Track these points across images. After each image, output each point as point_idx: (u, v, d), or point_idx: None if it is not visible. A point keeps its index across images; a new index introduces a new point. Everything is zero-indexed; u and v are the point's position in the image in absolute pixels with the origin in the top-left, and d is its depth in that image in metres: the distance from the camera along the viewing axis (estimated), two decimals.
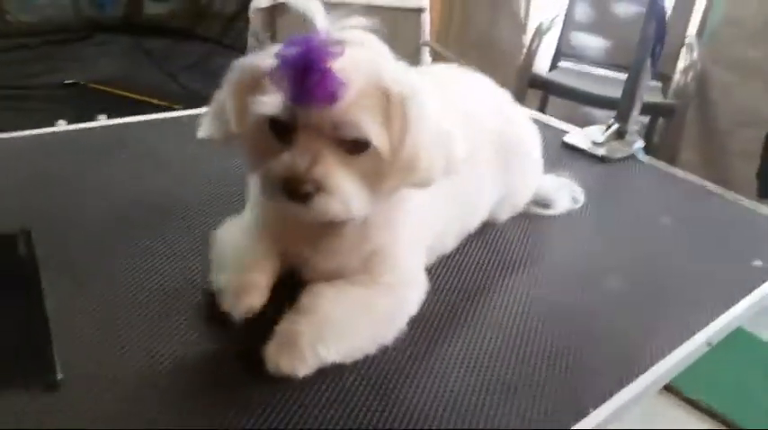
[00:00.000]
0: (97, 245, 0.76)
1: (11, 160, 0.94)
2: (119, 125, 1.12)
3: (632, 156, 1.18)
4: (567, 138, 1.20)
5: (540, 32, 2.71)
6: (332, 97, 0.53)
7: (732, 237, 0.95)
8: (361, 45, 0.57)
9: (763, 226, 1.01)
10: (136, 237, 0.78)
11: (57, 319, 0.62)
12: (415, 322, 0.67)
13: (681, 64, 2.59)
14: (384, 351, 0.64)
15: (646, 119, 2.54)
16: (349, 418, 0.56)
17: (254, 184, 0.68)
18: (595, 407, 0.61)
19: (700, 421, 1.70)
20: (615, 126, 1.20)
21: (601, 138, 1.19)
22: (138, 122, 1.13)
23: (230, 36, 2.85)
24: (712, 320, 0.75)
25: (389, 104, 0.56)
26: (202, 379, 0.59)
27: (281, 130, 0.57)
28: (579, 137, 1.21)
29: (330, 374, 0.60)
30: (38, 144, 1.00)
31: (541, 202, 0.95)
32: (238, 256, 0.66)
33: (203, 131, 0.62)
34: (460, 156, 0.62)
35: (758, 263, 0.88)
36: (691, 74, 2.49)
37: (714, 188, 1.10)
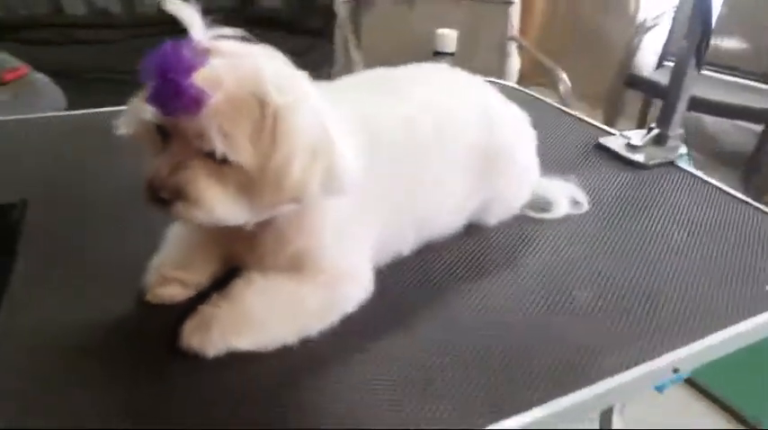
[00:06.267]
0: (87, 222, 0.82)
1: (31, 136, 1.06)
2: None
3: (671, 164, 1.10)
4: (602, 140, 1.14)
5: (643, 28, 2.54)
6: (191, 108, 0.53)
7: (752, 256, 0.86)
8: (239, 54, 0.57)
9: None
10: (124, 217, 0.82)
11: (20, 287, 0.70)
12: (349, 317, 0.67)
13: None
14: (305, 341, 0.64)
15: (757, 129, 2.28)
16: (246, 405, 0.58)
17: None
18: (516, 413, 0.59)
19: (723, 420, 1.64)
20: (656, 131, 1.12)
21: (639, 142, 1.11)
22: None
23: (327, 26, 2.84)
24: (683, 346, 0.70)
25: (263, 116, 0.55)
26: (124, 355, 0.63)
27: (164, 134, 0.58)
28: (616, 140, 1.14)
29: (245, 359, 0.62)
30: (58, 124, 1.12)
31: (538, 205, 0.91)
32: (175, 250, 0.70)
33: (119, 128, 0.62)
34: (347, 170, 0.60)
35: None
36: None
37: (758, 205, 0.98)
